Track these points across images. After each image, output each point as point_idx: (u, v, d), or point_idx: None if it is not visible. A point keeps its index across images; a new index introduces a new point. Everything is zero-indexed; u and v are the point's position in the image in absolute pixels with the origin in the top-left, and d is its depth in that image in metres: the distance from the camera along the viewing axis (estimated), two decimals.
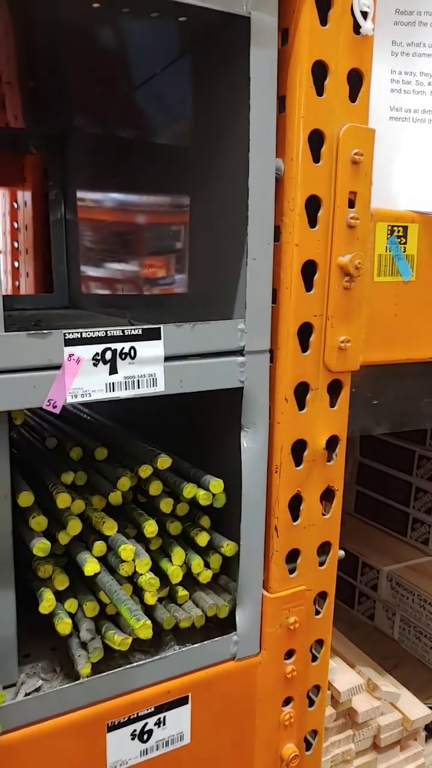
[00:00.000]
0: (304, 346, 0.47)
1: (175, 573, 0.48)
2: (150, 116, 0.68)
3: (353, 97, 0.45)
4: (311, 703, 0.56)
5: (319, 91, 0.44)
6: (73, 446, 0.53)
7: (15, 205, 1.07)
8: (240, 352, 0.46)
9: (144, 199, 0.75)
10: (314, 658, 0.55)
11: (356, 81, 0.45)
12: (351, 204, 0.46)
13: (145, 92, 0.65)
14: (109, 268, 0.85)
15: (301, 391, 0.48)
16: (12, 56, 0.59)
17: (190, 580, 0.50)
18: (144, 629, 0.41)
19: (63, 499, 0.46)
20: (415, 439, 0.98)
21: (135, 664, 0.46)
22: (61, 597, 0.46)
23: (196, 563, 0.49)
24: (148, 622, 0.42)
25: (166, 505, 0.49)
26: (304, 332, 0.47)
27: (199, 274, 0.58)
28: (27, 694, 0.44)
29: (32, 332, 0.38)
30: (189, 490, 0.48)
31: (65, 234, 0.90)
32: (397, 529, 1.03)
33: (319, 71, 0.44)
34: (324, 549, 0.53)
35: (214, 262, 0.53)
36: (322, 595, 0.54)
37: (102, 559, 0.47)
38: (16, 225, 1.09)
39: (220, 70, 0.48)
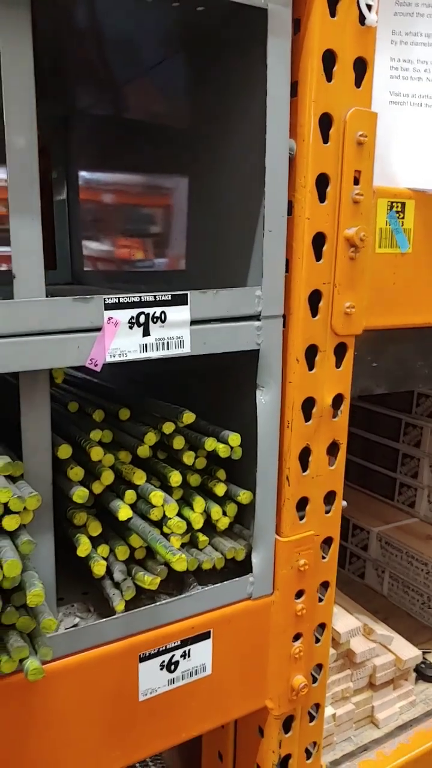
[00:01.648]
0: (314, 312, 0.52)
1: (196, 519, 0.53)
2: (155, 100, 0.71)
3: (358, 82, 0.50)
4: (317, 640, 0.61)
5: (328, 77, 0.48)
6: (95, 409, 0.58)
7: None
8: (257, 317, 0.50)
9: (145, 179, 0.79)
10: (320, 599, 0.60)
11: (361, 68, 0.50)
12: (356, 181, 0.51)
13: (152, 77, 0.68)
14: (110, 245, 0.89)
15: (311, 353, 0.53)
16: None
17: (208, 527, 0.55)
18: (180, 562, 0.46)
19: (96, 452, 0.50)
20: (401, 408, 1.05)
21: (164, 601, 0.51)
22: (94, 543, 0.51)
23: (215, 511, 0.54)
24: (183, 555, 0.46)
25: (188, 458, 0.53)
26: (314, 299, 0.52)
27: (200, 249, 0.62)
28: (67, 629, 0.49)
29: (77, 297, 0.42)
30: (210, 443, 0.53)
31: (68, 212, 0.92)
32: (385, 494, 1.10)
33: (328, 59, 0.48)
34: (329, 498, 0.58)
35: (217, 238, 0.57)
36: (327, 542, 0.59)
37: (131, 508, 0.51)
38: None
39: (232, 58, 0.52)
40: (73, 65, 0.70)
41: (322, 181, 0.50)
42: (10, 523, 0.42)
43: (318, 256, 0.51)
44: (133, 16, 0.52)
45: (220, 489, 0.55)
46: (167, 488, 0.53)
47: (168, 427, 0.53)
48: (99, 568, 0.49)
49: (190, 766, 0.79)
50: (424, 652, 0.82)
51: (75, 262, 0.94)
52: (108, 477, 0.50)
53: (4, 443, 0.50)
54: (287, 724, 0.62)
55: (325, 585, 0.61)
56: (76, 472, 0.48)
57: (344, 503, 0.60)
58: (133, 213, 0.84)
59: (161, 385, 0.68)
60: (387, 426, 1.07)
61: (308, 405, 0.54)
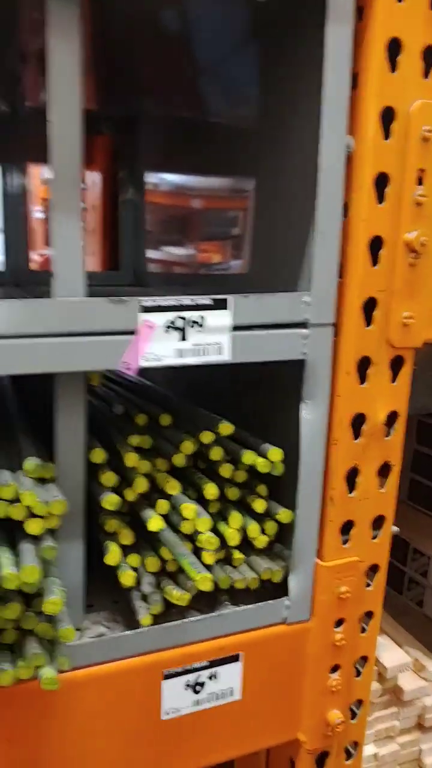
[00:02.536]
0: (368, 321, 0.48)
1: (232, 536, 0.50)
2: (219, 98, 0.69)
3: (426, 73, 0.45)
4: (358, 673, 0.57)
5: (393, 67, 0.44)
6: (138, 413, 0.56)
7: (83, 185, 1.11)
8: (304, 325, 0.47)
9: (210, 182, 0.77)
10: (363, 630, 0.56)
11: (430, 57, 0.45)
12: (419, 181, 0.47)
13: (215, 75, 0.66)
14: (173, 248, 0.88)
15: (363, 366, 0.49)
16: (86, 41, 0.62)
17: (245, 545, 0.52)
18: (204, 581, 0.44)
19: (131, 458, 0.48)
20: None
21: (192, 618, 0.49)
22: (124, 552, 0.49)
23: (253, 528, 0.51)
24: (209, 575, 0.44)
25: (225, 471, 0.51)
26: (368, 307, 0.48)
27: (262, 253, 0.59)
28: (92, 638, 0.47)
29: (112, 298, 0.41)
30: (248, 457, 0.50)
31: (134, 214, 0.92)
32: None
33: (393, 48, 0.44)
34: (378, 523, 0.54)
35: (277, 241, 0.55)
36: (373, 569, 0.55)
37: (164, 519, 0.49)
38: (83, 205, 1.13)
39: (292, 49, 0.49)
40: (139, 66, 0.69)
41: (381, 181, 0.46)
42: (34, 527, 0.41)
43: (374, 261, 0.47)
44: (192, 10, 0.51)
45: (259, 505, 0.52)
46: (205, 500, 0.51)
47: (206, 437, 0.51)
48: (127, 578, 0.47)
49: None
50: None
51: (138, 264, 0.94)
52: (141, 484, 0.48)
53: (40, 441, 0.50)
54: (321, 760, 0.58)
55: (369, 615, 0.56)
56: (108, 478, 0.47)
57: (396, 529, 0.55)
58: (198, 216, 0.83)
59: (219, 391, 0.66)
60: None
61: (358, 422, 0.50)
